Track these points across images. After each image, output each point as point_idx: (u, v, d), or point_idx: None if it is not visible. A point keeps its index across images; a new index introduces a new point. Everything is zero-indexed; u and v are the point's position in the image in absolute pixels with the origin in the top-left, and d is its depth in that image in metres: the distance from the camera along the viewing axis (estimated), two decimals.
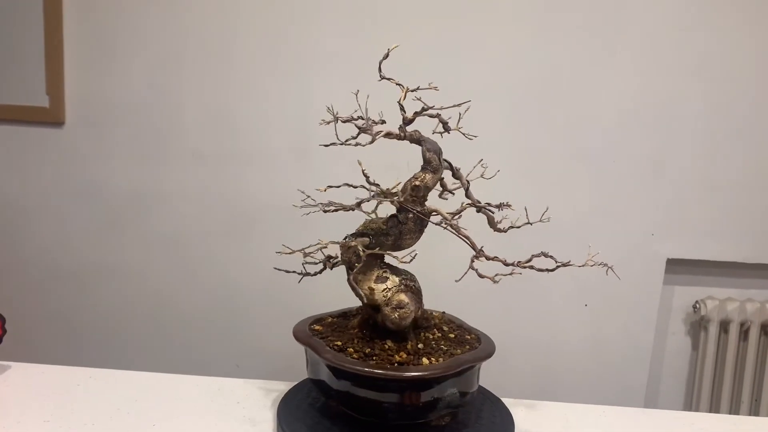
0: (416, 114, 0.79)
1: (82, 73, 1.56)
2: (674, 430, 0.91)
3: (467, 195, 0.84)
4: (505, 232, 0.82)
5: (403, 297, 0.81)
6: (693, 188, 1.54)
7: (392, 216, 0.83)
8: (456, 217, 0.79)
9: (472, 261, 0.77)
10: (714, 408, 1.64)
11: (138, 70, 1.55)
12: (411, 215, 0.81)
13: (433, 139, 0.82)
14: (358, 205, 0.81)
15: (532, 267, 0.75)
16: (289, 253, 0.81)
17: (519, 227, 0.81)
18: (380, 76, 0.78)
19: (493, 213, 0.82)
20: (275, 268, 0.87)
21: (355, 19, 1.49)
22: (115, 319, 1.64)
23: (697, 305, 1.62)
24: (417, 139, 0.81)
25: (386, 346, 0.81)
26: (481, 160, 0.84)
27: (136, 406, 0.90)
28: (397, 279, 0.83)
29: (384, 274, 0.83)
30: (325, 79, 1.51)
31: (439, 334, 0.86)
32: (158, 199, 1.59)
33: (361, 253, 0.79)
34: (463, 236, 0.75)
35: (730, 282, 1.63)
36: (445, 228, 0.79)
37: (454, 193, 0.85)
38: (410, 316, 0.80)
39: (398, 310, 0.80)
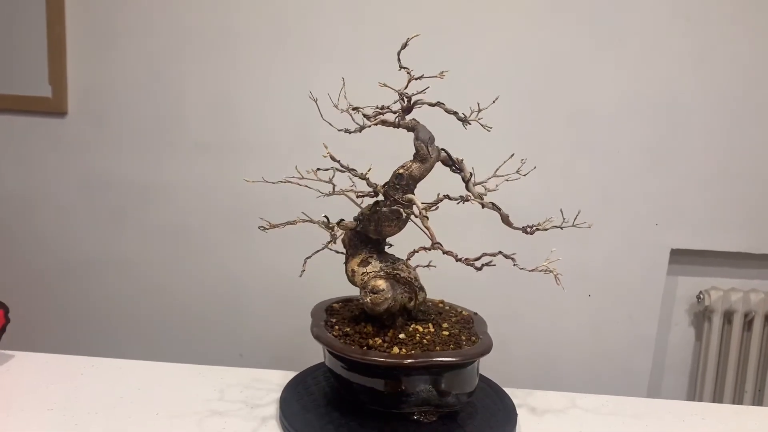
0: (409, 103, 0.78)
1: (85, 64, 1.56)
2: (677, 420, 0.91)
3: (467, 188, 0.82)
4: (531, 234, 0.80)
5: (379, 283, 0.79)
6: (697, 178, 1.53)
7: (375, 202, 0.83)
8: (432, 208, 0.77)
9: (414, 252, 0.77)
10: (717, 398, 1.64)
11: (140, 60, 1.54)
12: (388, 202, 0.80)
13: (427, 128, 0.81)
14: (373, 193, 0.81)
15: (473, 265, 0.73)
16: (266, 229, 0.81)
17: (546, 230, 0.80)
18: (399, 66, 0.78)
19: (500, 209, 0.81)
20: (324, 245, 0.83)
21: (357, 10, 1.48)
22: (118, 310, 1.65)
23: (701, 295, 1.61)
24: (412, 128, 0.81)
25: (365, 330, 0.82)
26: (513, 154, 0.83)
27: (139, 395, 0.90)
28: (379, 265, 0.82)
29: (369, 259, 0.83)
30: (328, 69, 1.50)
31: (432, 329, 0.83)
32: (161, 190, 1.59)
33: (337, 232, 0.80)
34: (425, 227, 0.74)
35: (734, 272, 1.63)
36: (407, 217, 0.79)
37: (472, 193, 0.82)
38: (384, 302, 0.79)
39: (371, 294, 0.79)
